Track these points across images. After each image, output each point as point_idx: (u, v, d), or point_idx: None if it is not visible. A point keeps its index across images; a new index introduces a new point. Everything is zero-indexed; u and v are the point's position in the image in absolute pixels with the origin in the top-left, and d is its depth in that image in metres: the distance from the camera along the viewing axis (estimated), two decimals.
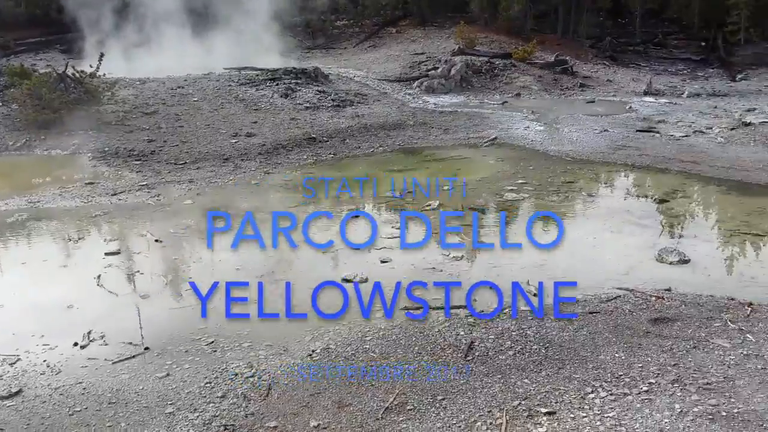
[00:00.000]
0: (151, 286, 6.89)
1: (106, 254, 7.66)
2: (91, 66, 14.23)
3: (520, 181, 10.69)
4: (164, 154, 12.08)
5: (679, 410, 4.38)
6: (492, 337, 5.53)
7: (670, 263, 7.18)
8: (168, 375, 5.10)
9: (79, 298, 6.59)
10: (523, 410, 4.47)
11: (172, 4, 21.81)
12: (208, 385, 4.95)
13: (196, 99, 15.54)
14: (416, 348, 5.41)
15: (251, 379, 5.01)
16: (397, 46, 23.98)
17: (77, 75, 13.89)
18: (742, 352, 5.16)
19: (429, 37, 24.54)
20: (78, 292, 6.74)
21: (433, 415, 4.49)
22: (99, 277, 7.03)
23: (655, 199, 9.80)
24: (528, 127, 14.52)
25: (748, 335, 5.42)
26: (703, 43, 24.75)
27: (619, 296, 6.26)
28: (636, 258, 7.48)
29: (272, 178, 11.02)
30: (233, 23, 22.56)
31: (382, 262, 7.49)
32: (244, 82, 16.98)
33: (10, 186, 10.61)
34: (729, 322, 5.64)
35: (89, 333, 5.81)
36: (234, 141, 12.94)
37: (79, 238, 8.32)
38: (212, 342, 5.62)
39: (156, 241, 8.11)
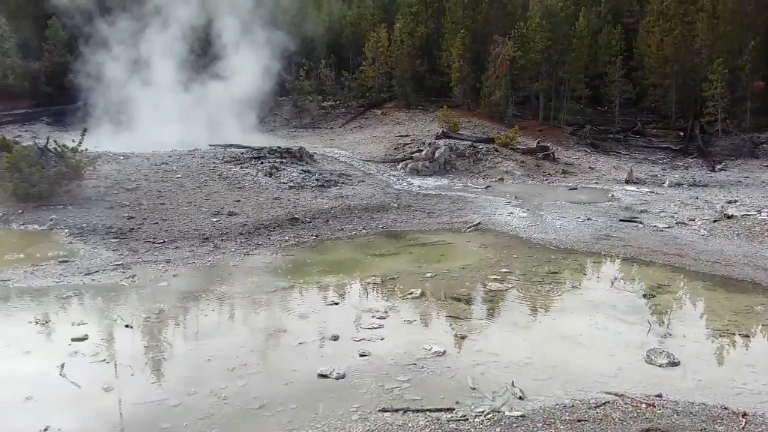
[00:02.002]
0: (116, 378, 6.52)
1: (73, 340, 7.31)
2: (73, 140, 14.15)
3: (503, 270, 10.55)
4: (143, 232, 11.83)
5: None
6: None
7: (660, 365, 6.97)
8: None
9: (39, 388, 6.20)
10: None
11: (161, 79, 22.10)
12: None
13: (179, 176, 15.44)
14: None
15: None
16: (382, 127, 24.35)
17: (59, 149, 13.78)
18: None
19: (413, 119, 24.98)
20: (39, 382, 6.35)
21: None
22: (62, 365, 6.66)
23: (640, 294, 9.67)
24: (511, 213, 14.54)
25: None
26: (681, 133, 25.40)
27: (608, 402, 6.00)
28: (624, 358, 7.26)
29: (252, 259, 10.78)
30: (222, 101, 22.85)
31: (361, 355, 7.19)
32: (228, 159, 16.98)
33: None
34: None
35: (46, 429, 5.44)
36: (215, 220, 12.76)
37: (47, 322, 7.95)
38: None
39: (126, 326, 7.77)
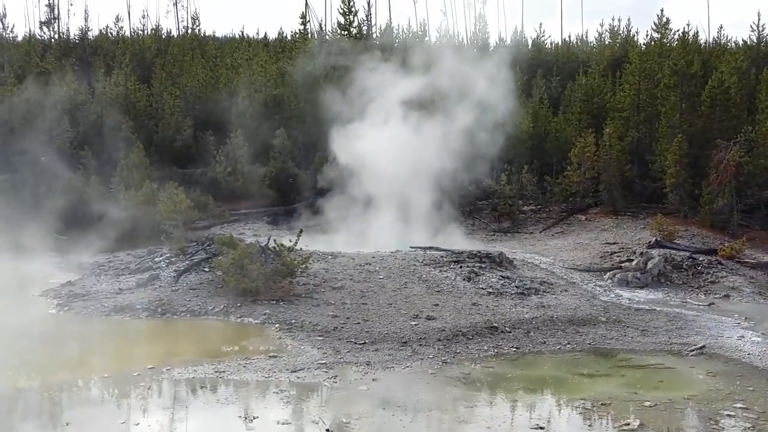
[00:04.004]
0: None
1: None
2: (290, 240, 15.20)
3: (738, 405, 9.08)
4: (346, 332, 12.10)
5: None
6: None
7: None
8: None
9: None
10: None
11: (373, 190, 23.23)
12: None
13: (381, 277, 15.81)
14: None
15: None
16: (587, 234, 23.23)
17: (277, 248, 14.86)
18: None
19: (621, 226, 23.55)
20: None
21: None
22: None
23: None
24: (742, 336, 12.71)
25: None
26: None
27: None
28: None
29: (450, 369, 10.44)
30: (423, 208, 23.40)
31: None
32: (428, 262, 17.11)
33: (204, 352, 11.12)
34: None
35: None
36: (414, 323, 12.71)
37: (254, 417, 8.21)
38: None
39: (327, 431, 7.75)
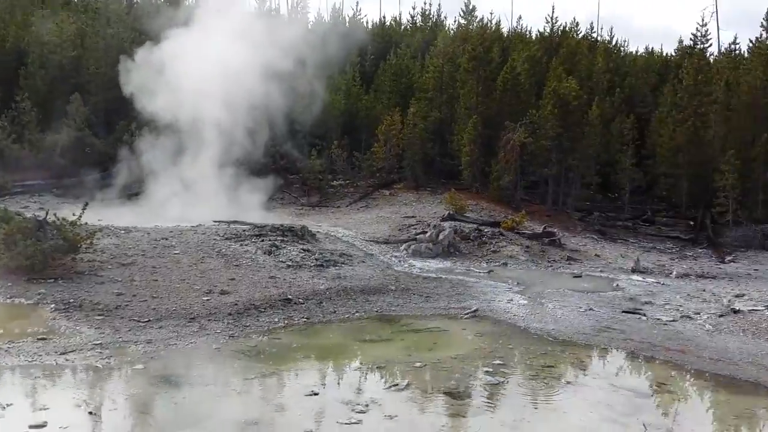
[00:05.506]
0: None
1: (31, 427, 6.97)
2: (74, 214, 14.17)
3: (497, 362, 10.12)
4: (130, 310, 11.59)
5: None
6: None
7: None
8: None
9: None
10: None
11: (174, 154, 22.40)
12: None
13: (177, 252, 15.34)
14: None
15: None
16: (389, 208, 24.29)
17: (58, 222, 13.78)
18: None
19: (421, 201, 24.94)
20: None
21: None
22: None
23: (638, 393, 9.16)
24: (511, 300, 14.14)
25: None
26: (692, 222, 25.02)
27: None
28: None
29: (236, 342, 10.45)
30: (233, 177, 23.04)
31: None
32: (229, 236, 16.90)
33: None
34: None
35: None
36: (206, 299, 12.51)
37: (7, 405, 7.61)
38: None
39: (90, 413, 7.43)
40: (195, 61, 21.84)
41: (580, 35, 38.80)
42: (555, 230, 21.08)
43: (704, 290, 15.41)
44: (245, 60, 22.64)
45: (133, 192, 23.34)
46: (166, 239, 16.25)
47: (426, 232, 19.67)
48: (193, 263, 14.69)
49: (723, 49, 33.54)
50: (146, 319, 11.15)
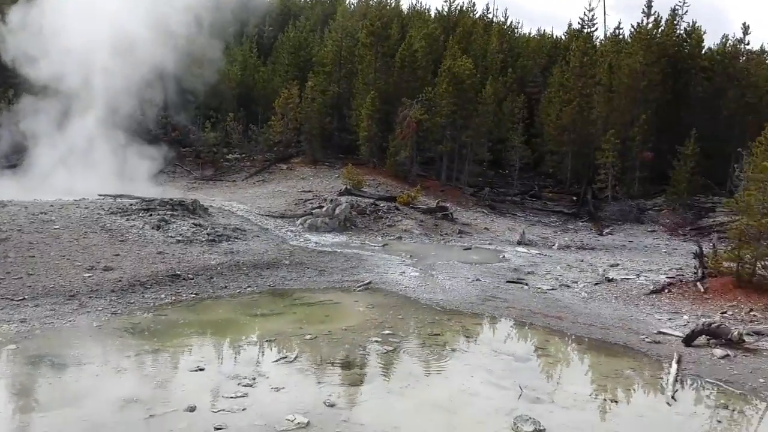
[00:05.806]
0: None
1: None
2: None
3: (386, 332, 10.34)
4: (2, 288, 10.89)
5: None
6: None
7: None
8: None
9: None
10: None
11: (56, 120, 21.15)
12: None
13: (57, 227, 14.52)
14: None
15: None
16: (286, 182, 24.11)
17: None
18: None
19: (318, 175, 24.91)
20: None
21: None
22: None
23: (517, 358, 9.67)
24: (404, 272, 14.46)
25: None
26: (575, 198, 26.51)
27: None
28: (491, 427, 7.14)
29: (119, 320, 10.08)
30: (122, 148, 22.06)
31: (216, 429, 6.70)
32: (115, 211, 16.20)
33: None
34: None
35: None
36: (87, 275, 11.96)
37: None
38: None
39: None
40: (78, 17, 20.62)
41: (477, 15, 39.75)
42: (448, 205, 21.72)
43: (582, 261, 16.41)
44: (137, 17, 21.61)
45: (11, 163, 21.89)
46: (46, 214, 15.37)
47: (323, 206, 19.71)
48: (75, 239, 13.99)
49: (608, 34, 35.42)
50: (21, 298, 10.53)
